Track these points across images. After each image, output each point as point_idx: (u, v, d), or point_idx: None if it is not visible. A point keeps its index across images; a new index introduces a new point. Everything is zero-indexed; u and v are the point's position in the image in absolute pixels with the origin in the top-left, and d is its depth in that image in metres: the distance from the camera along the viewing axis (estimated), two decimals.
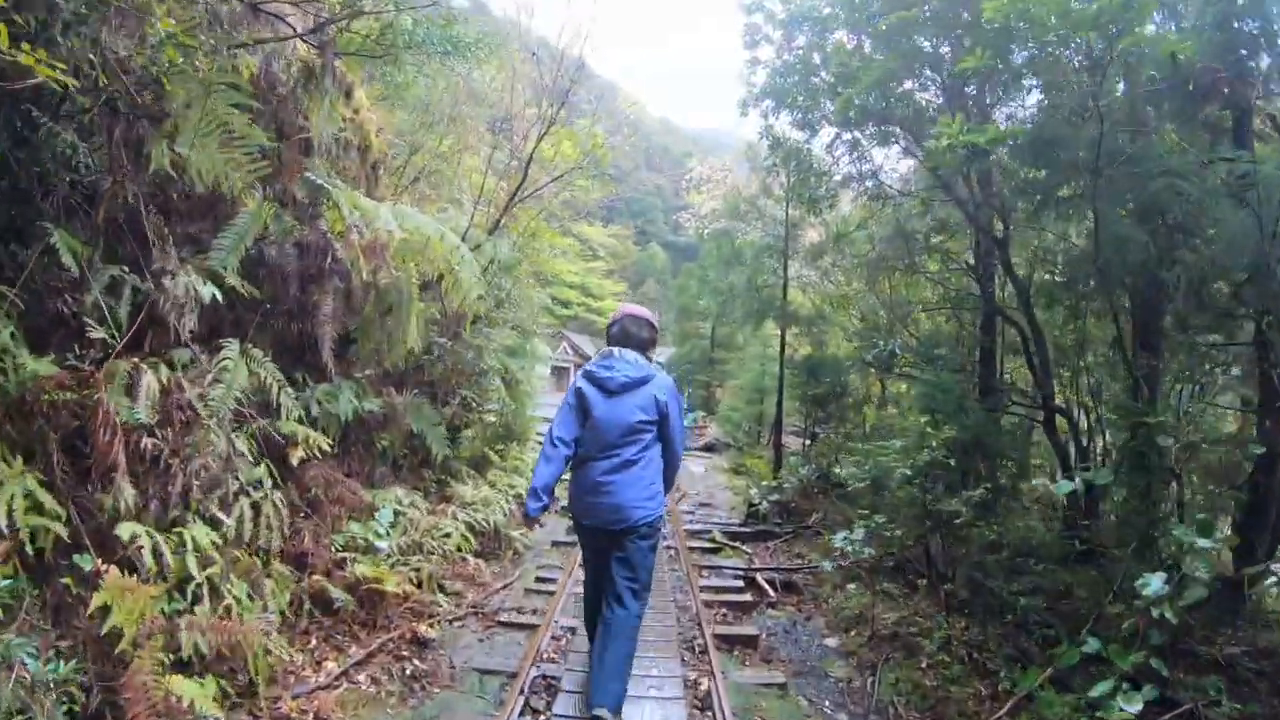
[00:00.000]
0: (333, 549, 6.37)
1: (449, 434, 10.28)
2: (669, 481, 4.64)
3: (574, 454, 4.42)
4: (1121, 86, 7.21)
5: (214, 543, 4.93)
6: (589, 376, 4.46)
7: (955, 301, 10.68)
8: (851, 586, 7.17)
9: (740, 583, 8.38)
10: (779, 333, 15.68)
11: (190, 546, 4.65)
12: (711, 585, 8.12)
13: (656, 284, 72.55)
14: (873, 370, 11.55)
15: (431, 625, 6.18)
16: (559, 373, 60.23)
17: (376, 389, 8.20)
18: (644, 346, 4.64)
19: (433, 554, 7.14)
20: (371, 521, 6.87)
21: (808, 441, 14.72)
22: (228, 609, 4.76)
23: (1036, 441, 10.12)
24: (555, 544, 9.93)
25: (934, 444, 6.51)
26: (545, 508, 4.40)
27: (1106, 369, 8.77)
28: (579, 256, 68.24)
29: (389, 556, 6.66)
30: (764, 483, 12.63)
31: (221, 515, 5.08)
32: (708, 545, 10.11)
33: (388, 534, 6.82)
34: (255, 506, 5.44)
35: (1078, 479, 4.98)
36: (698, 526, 11.32)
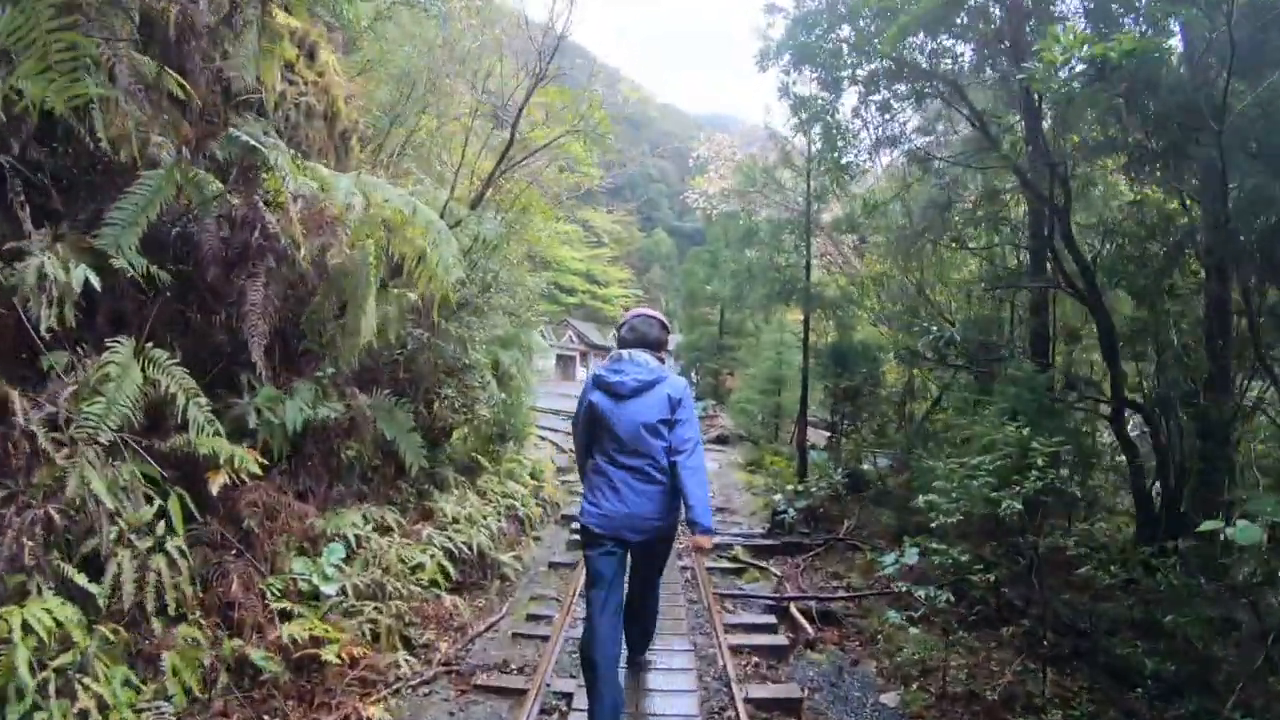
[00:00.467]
0: (268, 597, 5.03)
1: (432, 438, 8.94)
2: (697, 501, 4.14)
3: (592, 460, 4.38)
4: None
5: (74, 619, 3.59)
6: (599, 383, 4.34)
7: (1010, 278, 9.23)
8: (915, 631, 5.75)
9: (771, 617, 7.02)
10: (801, 317, 14.27)
11: (22, 631, 3.30)
12: (739, 624, 6.74)
13: (662, 270, 71.19)
14: (918, 359, 10.08)
15: (388, 699, 4.83)
16: (564, 361, 59.11)
17: (341, 390, 6.85)
18: (656, 346, 4.51)
19: (396, 597, 5.77)
20: (320, 558, 5.51)
21: (835, 437, 13.29)
22: (84, 714, 3.41)
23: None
24: (552, 565, 8.61)
25: (1039, 461, 5.10)
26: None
27: (1178, 357, 7.38)
28: (583, 243, 66.91)
29: (339, 603, 5.31)
30: (789, 486, 11.22)
31: (82, 581, 3.73)
32: (729, 565, 8.73)
33: (338, 573, 5.46)
34: (143, 558, 4.10)
35: (1261, 522, 3.57)
36: (716, 539, 9.91)
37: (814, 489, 10.62)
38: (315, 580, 5.27)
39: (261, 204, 5.56)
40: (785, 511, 10.30)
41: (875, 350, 11.82)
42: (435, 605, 6.23)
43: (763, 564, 8.80)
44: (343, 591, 5.39)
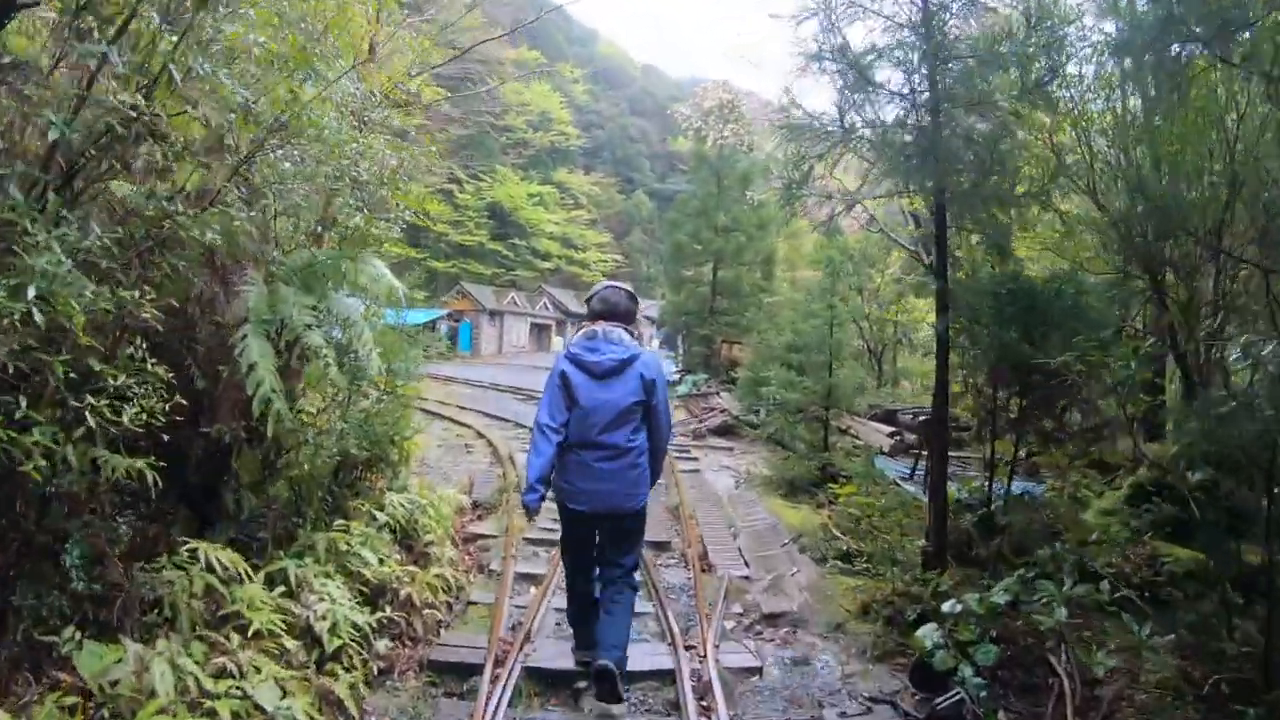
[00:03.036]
0: None
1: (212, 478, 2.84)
2: (656, 470, 4.32)
3: (563, 440, 4.05)
4: None
5: None
6: (574, 360, 4.12)
7: None
8: None
9: None
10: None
11: None
12: None
13: (643, 233, 64.75)
14: None
15: None
16: (539, 330, 52.74)
17: None
18: (626, 317, 4.32)
19: None
20: None
21: (988, 454, 6.74)
22: None
23: None
24: None
25: None
26: (543, 498, 4.10)
27: None
28: (559, 205, 60.55)
29: None
30: (926, 579, 5.03)
31: None
32: None
33: None
34: None
35: None
36: None
37: (1002, 597, 4.37)
38: None
39: None
40: (952, 670, 4.08)
41: (1080, 297, 5.54)
42: None
43: None
44: None
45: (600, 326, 4.19)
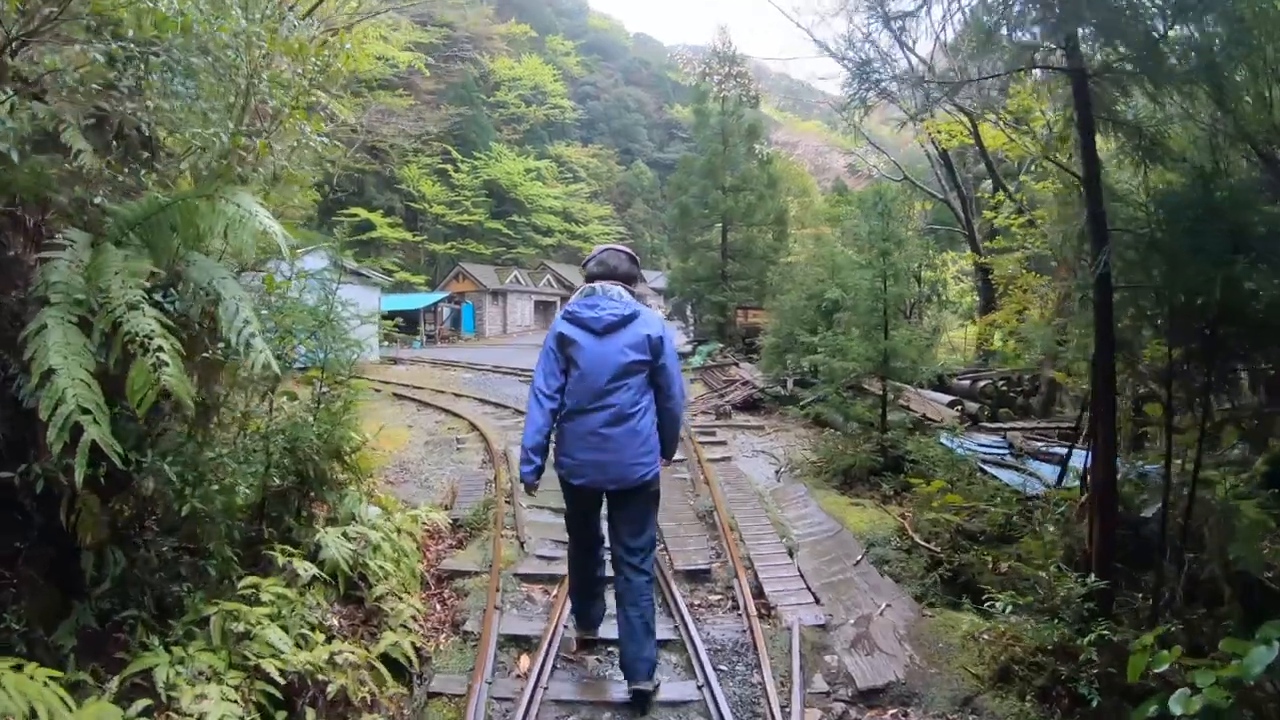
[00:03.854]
0: None
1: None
2: (669, 440, 3.90)
3: (560, 406, 3.74)
4: None
5: None
6: (571, 317, 3.78)
7: None
8: None
9: None
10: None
11: None
12: None
13: (645, 204, 62.44)
14: None
15: None
16: (544, 308, 50.67)
17: None
18: (627, 279, 3.93)
19: None
20: None
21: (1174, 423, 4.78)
22: None
23: None
24: None
25: None
26: (539, 469, 3.81)
27: None
28: (557, 180, 58.33)
29: None
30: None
31: None
32: None
33: None
34: None
35: None
36: None
37: (1258, 666, 2.55)
38: None
39: None
40: None
41: None
42: None
43: None
44: None
45: (599, 284, 3.84)
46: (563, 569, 5.14)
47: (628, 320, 3.70)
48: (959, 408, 9.63)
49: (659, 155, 66.26)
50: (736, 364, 17.17)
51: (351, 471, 5.60)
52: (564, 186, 57.09)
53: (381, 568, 4.84)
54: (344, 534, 4.97)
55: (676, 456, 6.58)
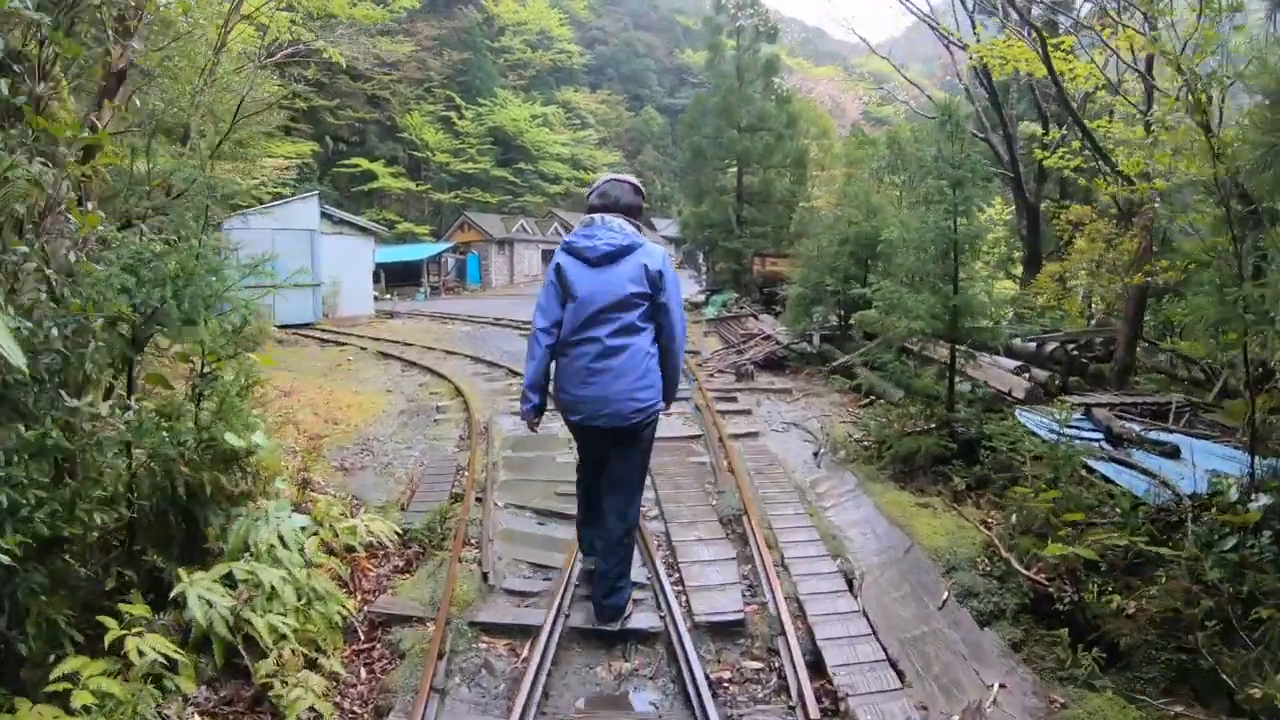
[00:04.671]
0: None
1: None
2: (671, 382, 3.70)
3: (557, 339, 3.54)
4: None
5: None
6: (568, 248, 3.60)
7: None
8: None
9: None
10: None
11: None
12: None
13: (655, 150, 59.92)
14: None
15: None
16: (551, 257, 48.46)
17: None
18: (630, 211, 3.70)
19: None
20: None
21: None
22: None
23: None
24: None
25: None
26: (538, 407, 3.60)
27: None
28: (565, 126, 55.89)
29: None
30: None
31: None
32: None
33: None
34: None
35: None
36: None
37: None
38: None
39: None
40: None
41: None
42: None
43: None
44: None
45: (599, 215, 3.62)
46: (539, 615, 3.65)
47: (626, 251, 3.50)
48: (1026, 375, 7.96)
49: (669, 101, 63.56)
50: (755, 315, 15.49)
51: (255, 480, 4.06)
52: (572, 133, 54.80)
53: (275, 627, 3.32)
54: (225, 577, 3.45)
55: (693, 431, 5.58)
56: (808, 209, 18.26)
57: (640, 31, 71.93)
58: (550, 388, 3.63)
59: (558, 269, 3.56)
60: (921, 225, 6.14)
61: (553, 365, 3.60)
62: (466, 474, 5.94)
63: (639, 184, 3.87)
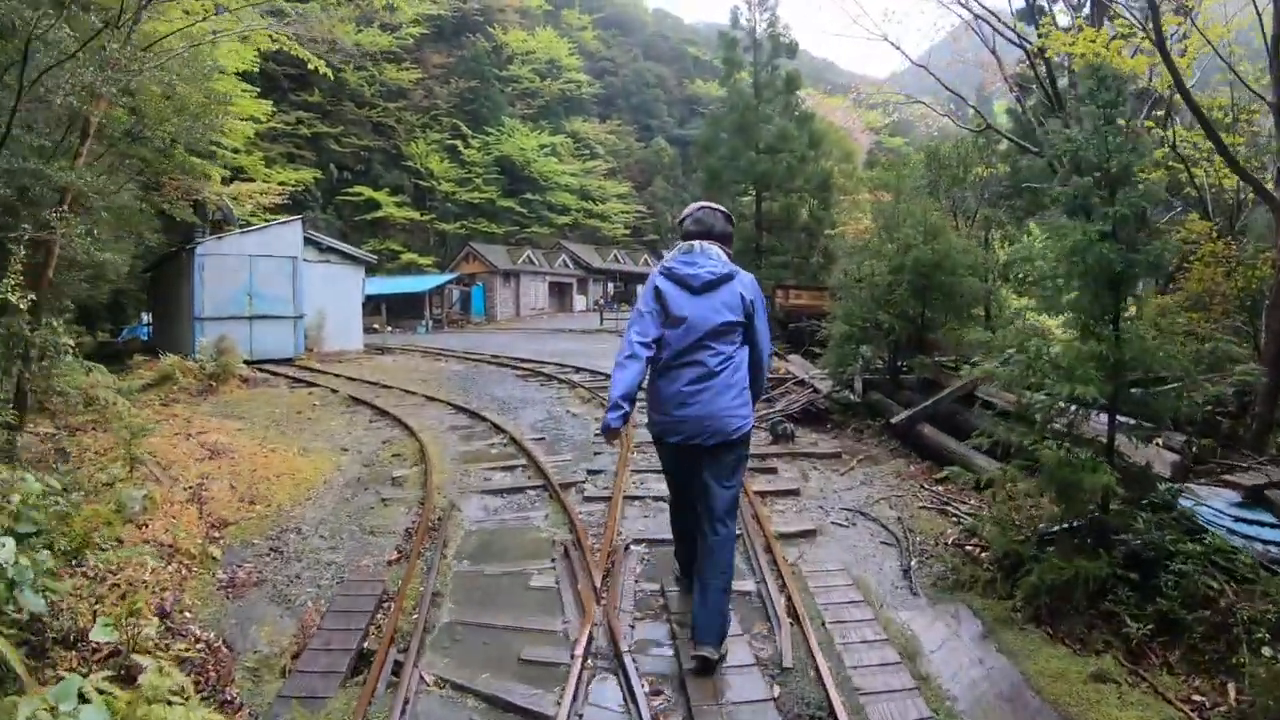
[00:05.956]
0: None
1: None
2: (758, 389, 3.77)
3: (653, 357, 3.57)
4: None
5: None
6: (669, 274, 3.61)
7: None
8: None
9: None
10: None
11: None
12: None
13: (666, 181, 58.17)
14: None
15: None
16: (559, 290, 46.73)
17: None
18: (723, 238, 3.73)
19: None
20: None
21: None
22: None
23: None
24: None
25: None
26: (627, 416, 3.51)
27: None
28: (574, 156, 54.29)
29: None
30: None
31: None
32: None
33: None
34: None
35: None
36: None
37: None
38: None
39: None
40: None
41: None
42: None
43: None
44: None
45: (697, 243, 3.65)
46: None
47: (726, 279, 3.55)
48: (1159, 443, 5.87)
49: (680, 132, 62.08)
50: (782, 356, 13.47)
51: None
52: (580, 163, 53.27)
53: None
54: None
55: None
56: (834, 236, 16.28)
57: (650, 62, 70.78)
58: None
59: (657, 291, 3.57)
60: (1059, 247, 4.10)
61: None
62: (394, 606, 3.90)
63: (729, 212, 3.88)
